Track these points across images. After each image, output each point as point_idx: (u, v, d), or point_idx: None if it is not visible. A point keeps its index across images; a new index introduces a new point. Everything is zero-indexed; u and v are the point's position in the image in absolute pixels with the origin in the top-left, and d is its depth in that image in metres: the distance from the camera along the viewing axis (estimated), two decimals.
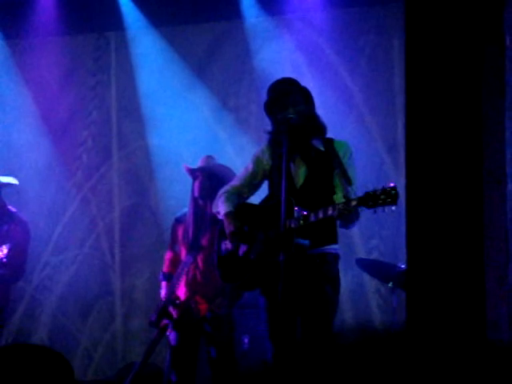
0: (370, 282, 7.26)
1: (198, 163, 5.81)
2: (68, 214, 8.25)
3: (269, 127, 4.92)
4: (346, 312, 7.23)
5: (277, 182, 4.70)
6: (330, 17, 7.55)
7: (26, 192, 7.94)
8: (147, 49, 8.09)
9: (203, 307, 5.64)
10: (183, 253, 5.75)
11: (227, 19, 7.91)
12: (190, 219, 5.73)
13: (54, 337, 8.16)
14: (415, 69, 3.53)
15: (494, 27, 3.53)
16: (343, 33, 7.53)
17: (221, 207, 4.91)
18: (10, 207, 6.52)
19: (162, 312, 5.69)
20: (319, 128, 4.89)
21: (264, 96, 4.95)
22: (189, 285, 5.69)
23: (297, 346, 4.62)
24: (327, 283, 4.71)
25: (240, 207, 4.91)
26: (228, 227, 4.80)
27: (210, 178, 5.67)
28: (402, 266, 6.19)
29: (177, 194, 6.98)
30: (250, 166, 4.98)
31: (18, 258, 6.37)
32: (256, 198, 5.05)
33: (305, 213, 4.55)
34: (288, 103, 4.79)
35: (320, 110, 4.96)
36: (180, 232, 5.80)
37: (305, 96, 4.87)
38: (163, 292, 5.78)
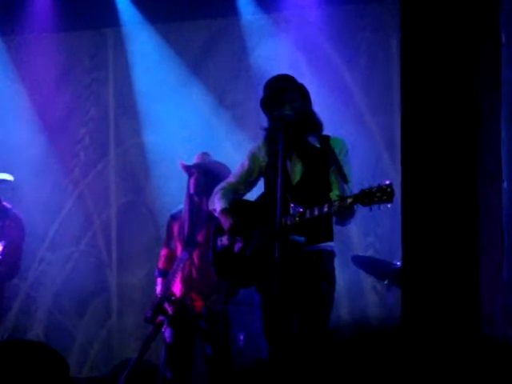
0: (366, 280, 7.27)
1: (193, 160, 5.82)
2: (64, 210, 8.25)
3: (265, 124, 4.92)
4: (342, 309, 7.24)
5: (273, 179, 4.70)
6: (326, 14, 7.56)
7: (22, 189, 7.92)
8: (144, 45, 8.08)
9: (199, 304, 5.64)
10: (179, 249, 5.75)
11: (223, 16, 7.91)
12: (185, 216, 5.73)
13: (49, 333, 8.16)
14: (411, 66, 3.53)
15: (490, 24, 3.53)
16: (339, 30, 7.53)
17: (217, 204, 4.91)
18: (5, 203, 6.51)
19: (158, 308, 5.69)
20: (315, 125, 4.89)
21: (260, 93, 4.95)
22: (184, 281, 5.70)
23: (292, 343, 4.62)
24: (323, 280, 4.72)
25: (236, 204, 4.91)
26: (225, 223, 4.80)
27: (205, 174, 5.67)
28: (398, 264, 6.19)
29: (173, 191, 6.98)
30: (246, 163, 4.98)
31: (12, 254, 6.36)
32: (252, 195, 5.05)
33: (300, 210, 4.55)
34: (284, 100, 4.79)
35: (317, 107, 4.96)
36: (175, 228, 5.80)
37: (301, 93, 4.87)
38: (158, 288, 5.78)
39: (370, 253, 7.31)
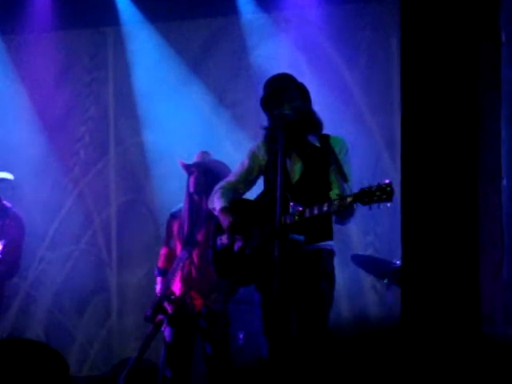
0: (366, 279, 7.27)
1: (193, 159, 5.82)
2: (64, 209, 8.25)
3: (265, 123, 4.92)
4: (342, 308, 7.24)
5: (272, 178, 4.70)
6: (326, 13, 7.56)
7: (22, 188, 7.93)
8: (143, 44, 8.08)
9: (198, 302, 5.64)
10: (178, 248, 5.76)
11: (223, 15, 7.91)
12: (185, 215, 5.73)
13: (49, 333, 8.16)
14: (411, 65, 3.54)
15: (490, 24, 3.53)
16: (339, 29, 7.53)
17: (216, 203, 4.91)
18: (5, 202, 6.51)
19: (157, 307, 5.69)
20: (315, 124, 4.89)
21: (260, 92, 4.95)
22: (184, 280, 5.70)
23: (292, 342, 4.62)
24: (322, 279, 4.72)
25: (235, 203, 4.91)
26: (224, 222, 4.80)
27: (205, 173, 5.67)
28: (398, 263, 6.19)
29: (173, 190, 6.98)
30: (246, 162, 4.98)
31: (12, 253, 6.36)
32: (252, 194, 5.05)
33: (300, 208, 4.55)
34: (284, 99, 4.79)
35: (316, 106, 4.96)
36: (175, 227, 5.81)
37: (301, 92, 4.87)
38: (158, 287, 5.78)
39: (369, 252, 7.31)
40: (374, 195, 4.35)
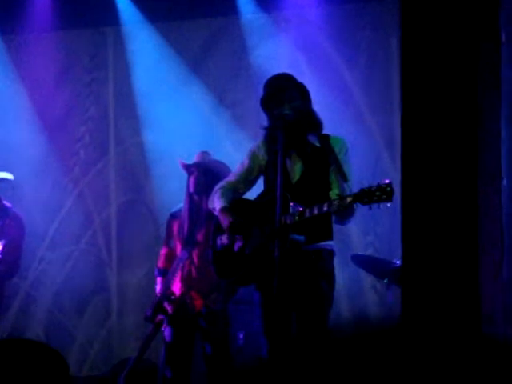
0: (366, 278, 7.27)
1: (193, 159, 5.82)
2: (64, 209, 8.25)
3: (265, 123, 4.92)
4: (342, 307, 7.24)
5: (272, 178, 4.70)
6: (325, 13, 7.56)
7: (22, 188, 7.93)
8: (143, 44, 8.09)
9: (198, 303, 5.64)
10: (178, 248, 5.76)
11: (223, 15, 7.91)
12: (185, 215, 5.73)
13: (49, 333, 8.16)
14: (411, 65, 3.54)
15: (490, 24, 3.53)
16: (339, 29, 7.53)
17: (216, 203, 4.91)
18: (5, 202, 6.51)
19: (157, 307, 5.69)
20: (315, 124, 4.89)
21: (260, 92, 4.95)
22: (184, 280, 5.70)
23: (292, 342, 4.62)
24: (322, 279, 4.72)
25: (235, 203, 4.91)
26: (224, 222, 4.80)
27: (205, 173, 5.68)
28: (397, 262, 6.19)
29: (173, 190, 6.98)
30: (246, 162, 4.98)
31: (12, 253, 6.36)
32: (252, 194, 5.05)
33: (300, 209, 4.55)
34: (284, 99, 4.79)
35: (316, 106, 4.96)
36: (175, 227, 5.81)
37: (301, 92, 4.87)
38: (158, 287, 5.78)
39: (369, 252, 7.31)
40: (373, 195, 4.35)
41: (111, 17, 8.06)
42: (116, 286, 8.14)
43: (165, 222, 6.00)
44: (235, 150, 7.30)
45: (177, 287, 5.71)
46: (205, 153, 5.86)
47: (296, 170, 4.82)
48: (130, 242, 8.11)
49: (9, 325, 8.02)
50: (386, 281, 6.38)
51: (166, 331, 5.69)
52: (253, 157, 4.96)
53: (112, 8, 8.03)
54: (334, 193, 4.69)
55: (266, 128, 4.90)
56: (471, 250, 3.33)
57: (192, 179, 5.72)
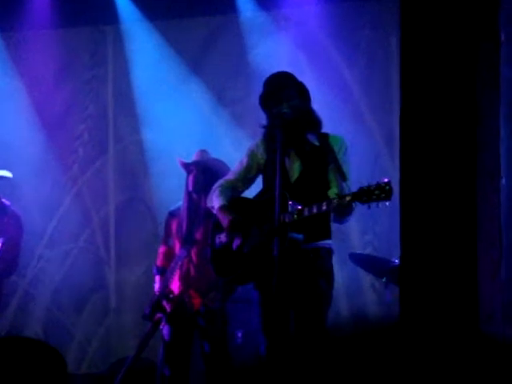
0: (365, 277, 7.27)
1: (192, 157, 5.82)
2: (63, 207, 8.25)
3: (264, 121, 4.91)
4: (341, 306, 7.24)
5: (271, 177, 4.70)
6: (325, 12, 7.55)
7: (21, 186, 7.93)
8: (143, 43, 8.08)
9: (197, 301, 5.64)
10: (177, 247, 5.76)
11: (223, 13, 7.91)
12: (183, 213, 5.73)
13: (48, 331, 8.16)
14: (410, 64, 3.53)
15: (489, 23, 3.53)
16: (339, 28, 7.53)
17: (215, 201, 4.90)
18: (3, 200, 6.51)
19: (156, 306, 5.69)
20: (314, 123, 4.89)
21: (260, 90, 4.94)
22: (182, 279, 5.70)
23: (290, 340, 4.62)
24: (321, 277, 4.71)
25: (234, 201, 4.91)
26: (223, 220, 4.80)
27: (204, 172, 5.67)
28: (396, 261, 6.19)
29: (171, 188, 6.98)
30: (245, 160, 4.98)
31: (11, 251, 6.36)
32: (250, 193, 5.04)
33: (299, 207, 4.55)
34: (282, 97, 4.79)
35: (316, 105, 4.96)
36: (174, 226, 5.81)
37: (300, 90, 4.87)
38: (157, 286, 5.78)
39: (368, 251, 7.31)
40: (372, 194, 4.34)
41: (111, 15, 8.06)
42: (114, 284, 8.13)
43: (163, 221, 6.00)
44: (234, 149, 7.30)
45: (175, 285, 5.71)
46: (204, 151, 5.86)
47: (295, 168, 4.81)
48: (129, 240, 8.11)
49: (7, 323, 8.02)
50: (384, 279, 6.38)
51: (165, 330, 5.69)
52: (251, 155, 4.96)
53: (111, 6, 8.03)
54: (332, 192, 4.69)
55: (264, 126, 4.89)
56: (470, 250, 3.33)
57: (191, 178, 5.72)
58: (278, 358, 4.58)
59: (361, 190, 4.38)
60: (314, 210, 4.50)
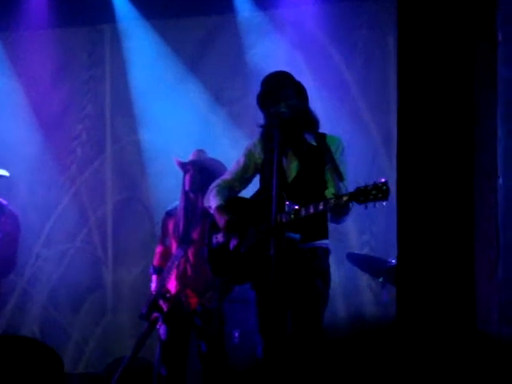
0: (362, 277, 7.27)
1: (189, 157, 5.82)
2: (60, 207, 8.24)
3: (262, 121, 4.91)
4: (338, 306, 7.24)
5: (268, 176, 4.70)
6: (322, 12, 7.55)
7: (18, 185, 7.92)
8: (140, 42, 8.08)
9: (193, 301, 5.64)
10: (174, 246, 5.75)
11: (220, 13, 7.90)
12: (180, 213, 5.72)
13: (44, 330, 8.15)
14: (408, 63, 3.53)
15: (487, 23, 3.53)
16: (336, 27, 7.53)
17: (212, 201, 4.90)
18: (0, 200, 6.50)
19: (153, 305, 5.69)
20: (312, 122, 4.89)
21: (257, 90, 4.94)
22: (179, 278, 5.69)
23: (287, 340, 4.62)
24: (318, 277, 4.71)
25: (231, 201, 4.90)
26: (220, 220, 4.79)
27: (200, 171, 5.67)
28: (393, 261, 6.19)
29: (169, 188, 6.98)
30: (242, 160, 4.97)
31: (8, 250, 6.36)
32: (248, 192, 5.04)
33: (296, 207, 4.55)
34: (280, 97, 4.78)
35: (313, 104, 4.95)
36: (170, 225, 5.80)
37: (297, 90, 4.86)
38: (153, 285, 5.78)
39: (365, 250, 7.31)
40: (369, 194, 4.34)
41: (108, 14, 8.05)
42: (111, 284, 8.13)
43: (160, 220, 5.99)
44: (232, 148, 7.29)
45: (172, 285, 5.71)
46: (200, 151, 5.86)
47: (292, 168, 4.81)
48: (126, 240, 8.10)
49: (4, 321, 8.01)
50: (381, 279, 6.39)
51: (161, 329, 5.69)
52: (249, 155, 4.95)
53: (109, 5, 8.03)
54: (329, 192, 4.69)
55: (262, 126, 4.89)
56: (467, 249, 3.33)
57: (187, 177, 5.71)
58: (275, 358, 4.58)
59: (358, 190, 4.38)
60: (311, 210, 4.50)
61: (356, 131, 7.25)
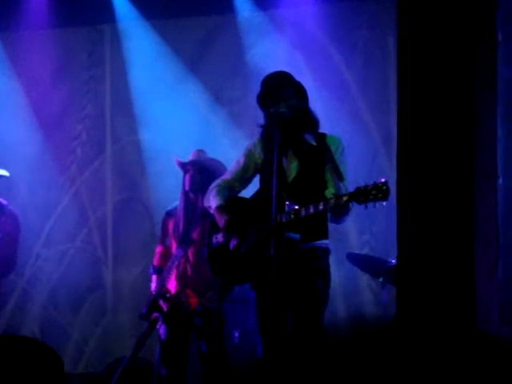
0: (362, 277, 7.27)
1: (189, 157, 5.82)
2: (60, 207, 8.24)
3: (262, 121, 4.91)
4: (338, 306, 7.24)
5: (268, 176, 4.70)
6: (322, 11, 7.55)
7: (18, 185, 7.92)
8: (140, 42, 8.08)
9: (193, 301, 5.64)
10: (174, 246, 5.75)
11: (220, 13, 7.90)
12: (180, 213, 5.72)
13: (44, 330, 8.15)
14: (408, 63, 3.53)
15: (487, 23, 3.53)
16: (336, 27, 7.53)
17: (212, 201, 4.90)
18: (0, 200, 6.50)
19: (153, 305, 5.69)
20: (312, 122, 4.89)
21: (257, 90, 4.94)
22: (179, 278, 5.69)
23: (287, 340, 4.62)
24: (318, 277, 4.71)
25: (231, 201, 4.90)
26: (220, 220, 4.79)
27: (200, 171, 5.67)
28: (393, 261, 6.19)
29: (169, 188, 6.98)
30: (242, 160, 4.97)
31: (8, 250, 6.36)
32: (248, 192, 5.04)
33: (296, 207, 4.55)
34: (280, 97, 4.78)
35: (313, 104, 4.96)
36: (170, 225, 5.80)
37: (297, 90, 4.86)
38: (153, 285, 5.78)
39: (365, 250, 7.31)
40: (369, 194, 4.34)
41: (108, 14, 8.05)
42: (111, 284, 8.13)
43: (160, 220, 5.99)
44: (232, 148, 7.29)
45: (172, 285, 5.71)
46: (200, 151, 5.86)
47: (292, 168, 4.81)
48: (126, 240, 8.10)
49: (4, 321, 8.01)
50: (381, 279, 6.39)
51: (161, 329, 5.69)
52: (249, 155, 4.95)
53: (109, 5, 8.03)
54: (329, 192, 4.69)
55: (262, 126, 4.89)
56: (467, 249, 3.33)
57: (187, 177, 5.71)
58: (275, 358, 4.58)
59: (358, 189, 4.38)
60: (311, 210, 4.50)
61: (356, 131, 7.25)
